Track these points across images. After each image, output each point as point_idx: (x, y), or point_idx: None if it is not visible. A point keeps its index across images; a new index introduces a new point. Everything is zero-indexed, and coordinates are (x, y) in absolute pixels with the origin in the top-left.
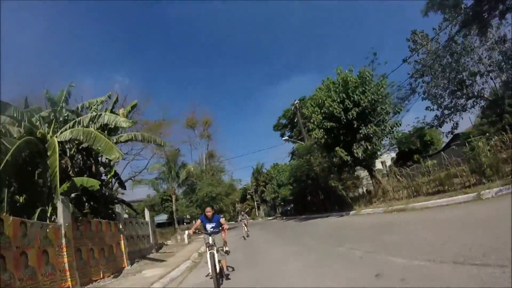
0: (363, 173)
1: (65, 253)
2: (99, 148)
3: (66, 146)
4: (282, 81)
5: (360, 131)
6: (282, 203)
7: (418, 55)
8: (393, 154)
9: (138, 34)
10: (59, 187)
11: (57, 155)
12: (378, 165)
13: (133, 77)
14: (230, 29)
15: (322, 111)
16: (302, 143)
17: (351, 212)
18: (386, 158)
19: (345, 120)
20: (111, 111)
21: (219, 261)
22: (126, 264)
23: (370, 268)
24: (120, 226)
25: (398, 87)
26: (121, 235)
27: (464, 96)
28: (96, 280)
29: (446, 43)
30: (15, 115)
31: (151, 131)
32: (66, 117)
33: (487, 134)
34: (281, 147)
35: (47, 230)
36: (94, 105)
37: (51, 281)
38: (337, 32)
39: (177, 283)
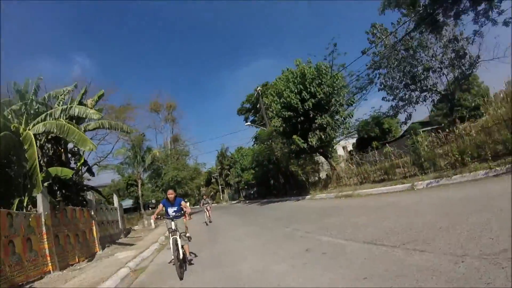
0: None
1: (45, 239)
2: (73, 140)
3: (36, 137)
4: (246, 64)
5: (315, 121)
6: (246, 187)
7: (376, 48)
8: (354, 140)
9: (95, 13)
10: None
11: (35, 148)
12: (339, 150)
13: (93, 58)
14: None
15: (281, 100)
16: (264, 128)
17: (307, 197)
18: (348, 143)
19: (302, 110)
20: (80, 102)
21: (182, 247)
22: (98, 249)
23: (304, 244)
24: (92, 213)
25: (357, 76)
26: (93, 221)
27: (418, 89)
28: (72, 265)
29: (402, 37)
30: None
31: (116, 117)
32: (37, 110)
33: (442, 124)
34: (245, 131)
35: (30, 219)
36: (61, 95)
37: (35, 266)
38: (301, 19)
39: (149, 261)
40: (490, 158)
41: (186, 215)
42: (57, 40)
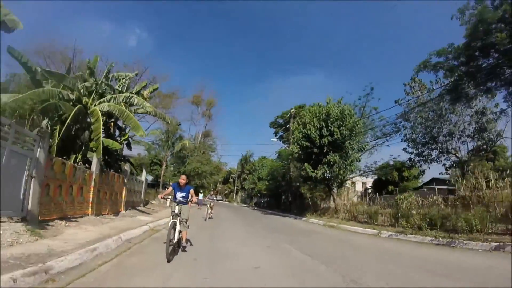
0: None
1: (91, 191)
2: (129, 124)
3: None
4: (295, 73)
5: (327, 156)
6: (258, 195)
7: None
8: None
9: None
10: (88, 147)
11: (101, 123)
12: (358, 185)
13: (151, 34)
14: (260, 12)
15: (303, 130)
16: (287, 148)
17: (303, 218)
18: (368, 181)
19: (318, 144)
20: (138, 92)
21: (180, 232)
22: (122, 209)
23: (269, 244)
24: (125, 180)
25: (386, 122)
26: (124, 187)
27: (437, 149)
28: (103, 215)
29: (431, 99)
30: (69, 85)
31: (161, 104)
32: (104, 90)
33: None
34: (273, 145)
35: (85, 174)
36: (122, 78)
37: (81, 208)
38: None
39: (162, 227)
40: (450, 229)
41: (192, 202)
42: (123, 6)
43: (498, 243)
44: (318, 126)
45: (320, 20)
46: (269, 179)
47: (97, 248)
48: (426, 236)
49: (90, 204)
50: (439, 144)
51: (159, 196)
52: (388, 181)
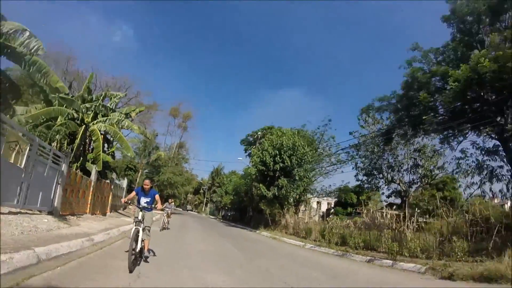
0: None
1: (90, 195)
2: (121, 144)
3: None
4: (273, 90)
5: (278, 180)
6: (226, 208)
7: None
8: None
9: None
10: (86, 158)
11: (101, 141)
12: (324, 204)
13: (138, 32)
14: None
15: (261, 155)
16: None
17: (257, 231)
18: (331, 201)
19: (272, 169)
20: (127, 114)
21: (142, 240)
22: (108, 211)
23: (219, 243)
24: (112, 187)
25: (341, 150)
26: (111, 192)
27: (383, 179)
28: (96, 214)
29: (375, 136)
30: (76, 108)
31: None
32: (100, 110)
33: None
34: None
35: (87, 182)
36: (114, 97)
37: (82, 207)
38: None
39: None
40: (351, 245)
41: (158, 208)
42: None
43: (371, 257)
44: (273, 153)
45: (301, 38)
46: (233, 194)
47: (109, 233)
48: (331, 249)
49: (89, 205)
50: (385, 174)
51: (122, 200)
52: (347, 203)
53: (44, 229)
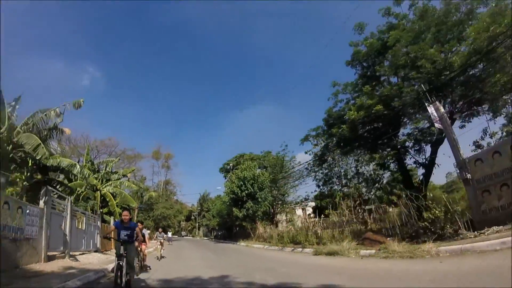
0: (283, 217)
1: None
2: (126, 200)
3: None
4: (247, 109)
5: (245, 204)
6: (216, 229)
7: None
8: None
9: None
10: (102, 212)
11: (113, 200)
12: (299, 211)
13: (104, 73)
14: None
15: (231, 186)
16: None
17: (237, 243)
18: (308, 207)
19: (239, 195)
20: (125, 175)
21: (127, 274)
22: (113, 247)
23: (204, 252)
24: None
25: (300, 166)
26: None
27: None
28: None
29: (320, 156)
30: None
31: (128, 161)
32: (106, 176)
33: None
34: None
35: (109, 228)
36: (110, 162)
37: (110, 246)
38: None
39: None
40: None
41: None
42: (74, 44)
43: (293, 248)
44: (239, 184)
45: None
46: (219, 217)
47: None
48: (276, 246)
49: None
50: (335, 181)
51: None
52: (323, 207)
53: (98, 258)
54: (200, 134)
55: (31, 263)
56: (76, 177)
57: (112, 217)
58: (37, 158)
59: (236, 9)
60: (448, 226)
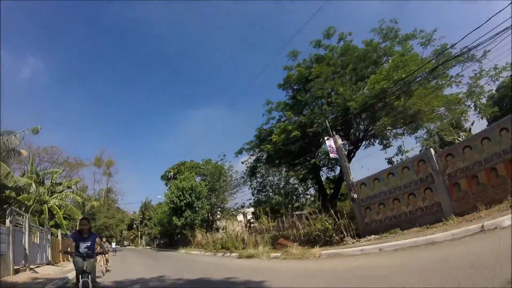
0: (222, 224)
1: (61, 249)
2: (71, 212)
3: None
4: (194, 111)
5: (184, 213)
6: (159, 237)
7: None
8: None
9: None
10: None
11: (60, 213)
12: (240, 217)
13: (47, 65)
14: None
15: (170, 195)
16: None
17: (178, 250)
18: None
19: (179, 205)
20: (69, 186)
21: None
22: (61, 260)
23: (145, 260)
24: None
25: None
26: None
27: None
28: (65, 260)
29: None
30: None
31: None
32: (52, 189)
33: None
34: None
35: (57, 241)
36: (55, 173)
37: (60, 258)
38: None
39: None
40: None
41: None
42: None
43: (223, 253)
44: (178, 194)
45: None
46: (160, 225)
47: None
48: (210, 252)
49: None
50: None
51: (60, 252)
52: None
53: (52, 270)
54: (143, 140)
55: (3, 276)
56: (28, 192)
57: (59, 230)
58: (26, 190)
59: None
60: (334, 234)
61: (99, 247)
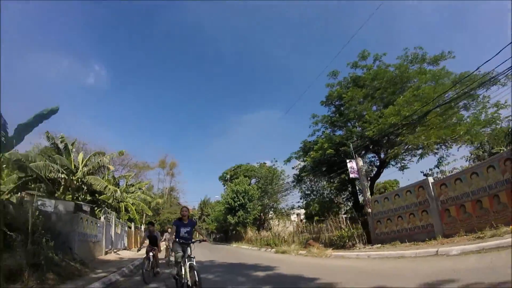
0: (275, 223)
1: (133, 237)
2: (143, 209)
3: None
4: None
5: (237, 212)
6: (215, 232)
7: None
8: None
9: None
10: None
11: (134, 210)
12: (293, 216)
13: (110, 71)
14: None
15: (226, 197)
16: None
17: (231, 244)
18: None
19: (233, 205)
20: (140, 188)
21: (196, 271)
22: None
23: (202, 251)
24: (139, 231)
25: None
26: (139, 235)
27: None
28: (137, 247)
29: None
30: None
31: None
32: (127, 190)
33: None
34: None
35: (132, 231)
36: (129, 176)
37: (135, 245)
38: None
39: None
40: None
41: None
42: (81, 41)
43: (266, 248)
44: (232, 196)
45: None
46: (216, 222)
47: None
48: (256, 247)
49: (134, 243)
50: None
51: (140, 243)
52: (312, 213)
53: (129, 253)
54: (202, 141)
55: (99, 256)
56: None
57: (132, 223)
58: (105, 193)
59: (245, 9)
60: (347, 240)
61: (197, 233)
